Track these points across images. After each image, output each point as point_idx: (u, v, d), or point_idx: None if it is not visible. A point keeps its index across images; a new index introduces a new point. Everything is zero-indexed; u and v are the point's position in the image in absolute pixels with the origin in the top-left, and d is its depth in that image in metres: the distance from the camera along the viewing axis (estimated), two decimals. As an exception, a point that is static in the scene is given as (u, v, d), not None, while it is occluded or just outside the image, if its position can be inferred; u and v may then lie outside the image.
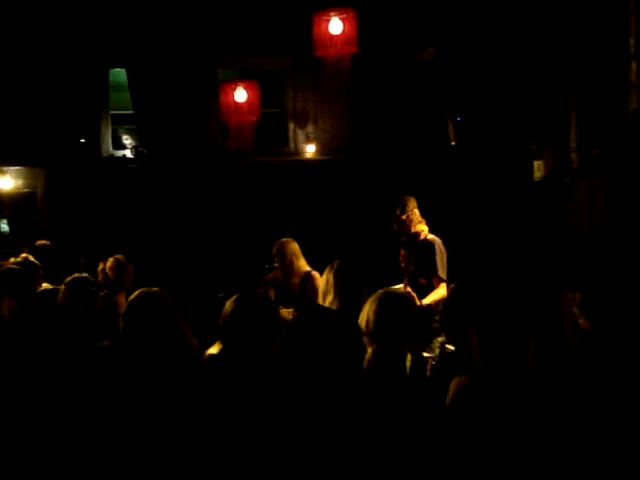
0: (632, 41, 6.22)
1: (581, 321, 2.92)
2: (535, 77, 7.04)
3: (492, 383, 2.00)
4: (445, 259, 5.68)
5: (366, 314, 2.93)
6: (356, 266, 5.01)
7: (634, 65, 6.23)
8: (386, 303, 2.90)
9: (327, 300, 4.79)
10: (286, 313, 4.78)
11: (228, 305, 2.98)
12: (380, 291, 3.04)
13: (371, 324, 2.90)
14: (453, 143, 8.21)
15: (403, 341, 2.87)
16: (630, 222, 5.72)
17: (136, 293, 3.45)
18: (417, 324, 2.94)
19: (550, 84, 6.93)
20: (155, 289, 3.44)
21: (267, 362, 2.85)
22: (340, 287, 4.76)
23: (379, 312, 2.88)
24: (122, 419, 2.83)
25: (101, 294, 5.78)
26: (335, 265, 4.87)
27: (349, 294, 4.72)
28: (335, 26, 7.53)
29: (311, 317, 2.69)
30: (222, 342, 2.98)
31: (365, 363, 2.94)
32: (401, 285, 5.64)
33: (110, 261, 6.15)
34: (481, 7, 7.55)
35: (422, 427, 2.34)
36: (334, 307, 4.67)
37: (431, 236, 5.74)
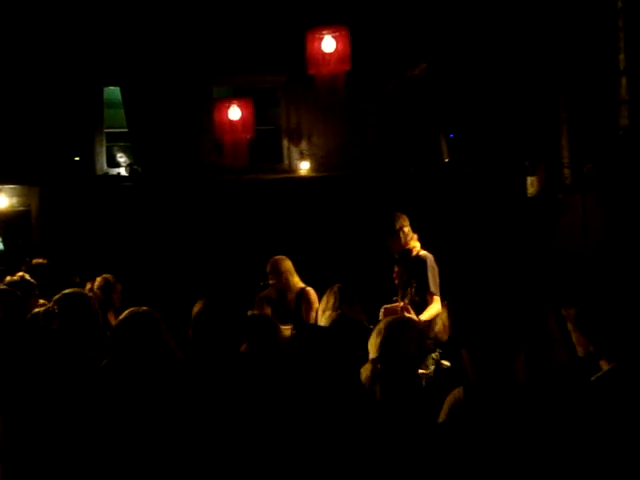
0: (622, 57, 6.27)
1: (575, 337, 2.93)
2: (527, 93, 7.09)
3: (484, 400, 2.02)
4: (437, 275, 5.71)
5: (374, 341, 2.94)
6: (350, 283, 5.09)
7: (624, 81, 6.28)
8: (395, 332, 2.92)
9: (325, 316, 4.86)
10: (285, 330, 4.82)
11: (197, 305, 3.08)
12: (388, 319, 3.06)
13: (380, 351, 2.91)
14: (446, 160, 8.24)
15: (410, 367, 2.88)
16: (623, 237, 5.75)
17: (125, 313, 3.47)
18: (423, 349, 2.96)
19: (542, 100, 6.98)
20: (144, 308, 3.45)
21: (236, 363, 2.88)
22: (339, 306, 4.85)
23: (387, 340, 2.90)
24: (111, 439, 2.85)
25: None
26: (335, 287, 4.99)
27: (347, 313, 4.82)
28: (328, 44, 7.59)
29: (309, 337, 2.72)
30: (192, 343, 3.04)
31: (365, 380, 2.95)
32: (399, 303, 5.66)
33: (98, 280, 6.14)
34: (473, 23, 7.61)
35: (417, 444, 2.36)
36: (330, 323, 4.76)
37: (423, 252, 5.77)
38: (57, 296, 3.83)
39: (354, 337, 3.06)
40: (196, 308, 3.08)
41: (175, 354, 3.41)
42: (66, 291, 3.83)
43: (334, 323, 4.54)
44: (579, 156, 6.63)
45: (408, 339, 2.88)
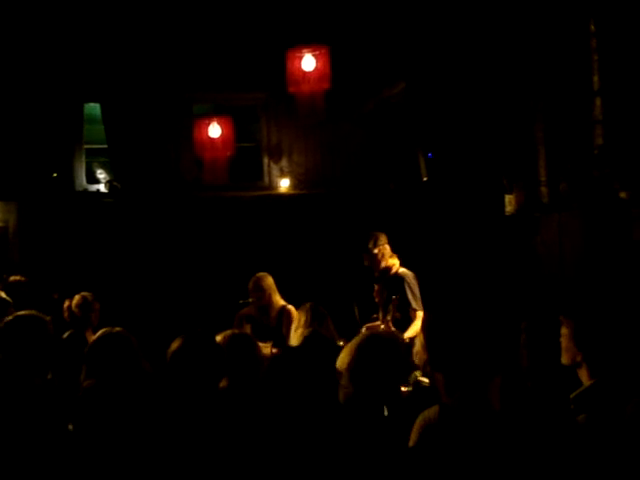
0: (596, 78, 6.39)
1: (565, 343, 2.96)
2: (504, 113, 7.18)
3: (458, 424, 2.02)
4: (417, 290, 5.77)
5: (345, 357, 2.93)
6: (329, 301, 5.13)
7: (598, 102, 6.40)
8: (367, 348, 2.89)
9: (297, 334, 4.87)
10: (264, 347, 4.83)
11: (175, 342, 3.02)
12: (362, 334, 3.05)
13: (350, 368, 2.90)
14: (425, 179, 8.31)
15: (382, 385, 2.86)
16: (598, 255, 5.83)
17: (98, 334, 3.48)
18: (400, 368, 2.93)
19: (519, 120, 7.08)
20: (117, 329, 3.46)
21: (213, 399, 2.87)
22: (310, 324, 4.87)
23: (358, 357, 2.88)
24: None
25: (67, 333, 5.77)
26: (307, 305, 5.04)
27: (319, 330, 4.83)
28: (308, 63, 7.64)
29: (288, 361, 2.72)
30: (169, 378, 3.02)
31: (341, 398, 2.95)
32: (380, 321, 5.69)
33: (76, 298, 6.09)
34: (450, 44, 7.71)
35: (391, 466, 2.36)
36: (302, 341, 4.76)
37: (402, 270, 5.84)
38: (9, 318, 3.47)
39: (325, 355, 3.05)
40: (174, 345, 3.02)
41: (148, 376, 3.42)
42: (19, 313, 3.51)
43: (305, 341, 4.54)
44: (556, 175, 6.73)
45: (380, 355, 2.86)
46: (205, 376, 2.91)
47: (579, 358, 2.89)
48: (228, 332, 3.48)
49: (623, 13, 5.87)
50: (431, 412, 2.20)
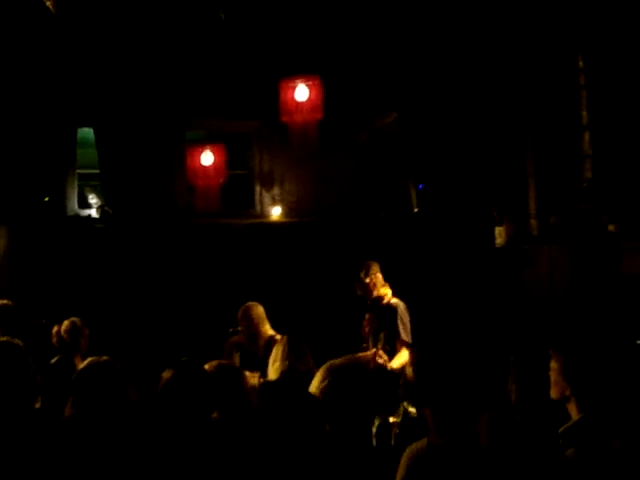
0: (584, 114, 6.49)
1: (554, 377, 2.97)
2: (495, 146, 7.26)
3: (446, 460, 2.01)
4: (408, 323, 5.77)
5: (312, 387, 2.92)
6: (320, 330, 5.09)
7: (587, 136, 6.49)
8: (331, 377, 2.88)
9: (274, 367, 4.83)
10: (251, 378, 4.80)
11: (166, 373, 3.02)
12: (329, 363, 3.02)
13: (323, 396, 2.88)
14: (416, 210, 8.36)
15: (351, 411, 2.84)
16: (587, 288, 5.87)
17: (85, 362, 3.46)
18: (365, 394, 2.92)
19: (510, 153, 7.16)
20: (105, 358, 3.45)
21: (204, 430, 2.85)
22: (287, 357, 4.79)
23: (323, 386, 2.87)
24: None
25: (55, 359, 5.73)
26: (284, 338, 4.91)
27: (295, 364, 4.78)
28: (301, 93, 7.76)
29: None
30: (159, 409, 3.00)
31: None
32: (370, 350, 5.67)
33: (65, 324, 6.04)
34: (443, 76, 7.80)
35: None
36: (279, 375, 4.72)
37: (394, 300, 5.83)
38: None
39: (302, 389, 3.04)
40: (165, 376, 3.00)
41: (135, 405, 3.40)
42: None
43: (283, 375, 4.48)
44: (545, 207, 6.79)
45: (352, 382, 2.84)
46: (196, 407, 2.90)
47: (568, 392, 2.90)
48: (214, 362, 3.47)
49: (611, 51, 5.98)
50: (418, 445, 2.18)
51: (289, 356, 4.74)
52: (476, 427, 2.04)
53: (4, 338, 3.48)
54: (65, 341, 5.98)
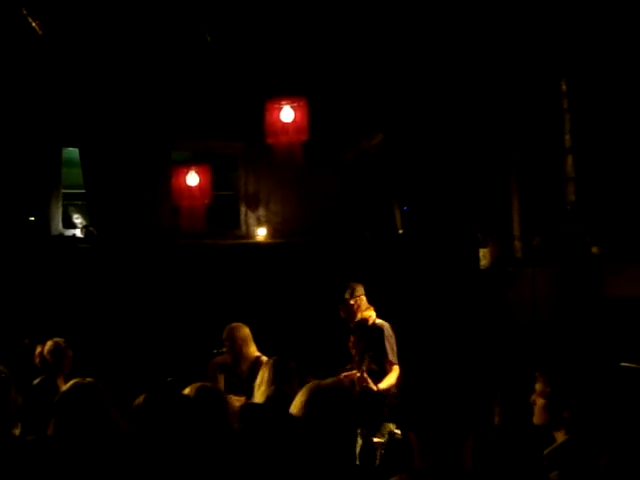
0: (567, 137, 6.55)
1: (539, 403, 2.98)
2: (479, 168, 7.32)
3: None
4: (394, 343, 5.79)
5: (293, 408, 2.90)
6: (304, 350, 5.07)
7: (570, 159, 6.55)
8: (312, 397, 2.86)
9: (260, 391, 4.78)
10: (237, 401, 4.76)
11: (139, 398, 2.97)
12: (309, 384, 3.00)
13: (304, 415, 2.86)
14: (400, 231, 8.39)
15: (334, 432, 2.81)
16: (570, 310, 5.89)
17: (69, 384, 3.43)
18: (348, 416, 2.89)
19: (494, 175, 7.21)
20: (89, 380, 3.42)
21: (182, 455, 2.82)
22: (273, 382, 4.74)
23: (304, 407, 2.84)
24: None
25: (38, 379, 5.68)
26: (271, 361, 4.88)
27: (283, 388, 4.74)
28: (287, 114, 7.79)
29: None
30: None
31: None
32: (355, 371, 5.67)
33: (49, 344, 6.01)
34: (427, 97, 7.87)
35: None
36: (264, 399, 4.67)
37: (379, 321, 5.86)
38: None
39: (285, 413, 3.01)
40: (137, 401, 2.95)
41: (120, 428, 3.36)
42: None
43: (268, 400, 4.42)
44: (529, 229, 6.83)
45: (333, 404, 2.82)
46: (172, 432, 2.85)
47: (554, 416, 2.91)
48: (197, 384, 3.43)
49: (594, 74, 6.05)
50: (401, 478, 2.16)
51: (275, 380, 4.69)
52: (461, 452, 2.03)
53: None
54: (48, 362, 5.95)
